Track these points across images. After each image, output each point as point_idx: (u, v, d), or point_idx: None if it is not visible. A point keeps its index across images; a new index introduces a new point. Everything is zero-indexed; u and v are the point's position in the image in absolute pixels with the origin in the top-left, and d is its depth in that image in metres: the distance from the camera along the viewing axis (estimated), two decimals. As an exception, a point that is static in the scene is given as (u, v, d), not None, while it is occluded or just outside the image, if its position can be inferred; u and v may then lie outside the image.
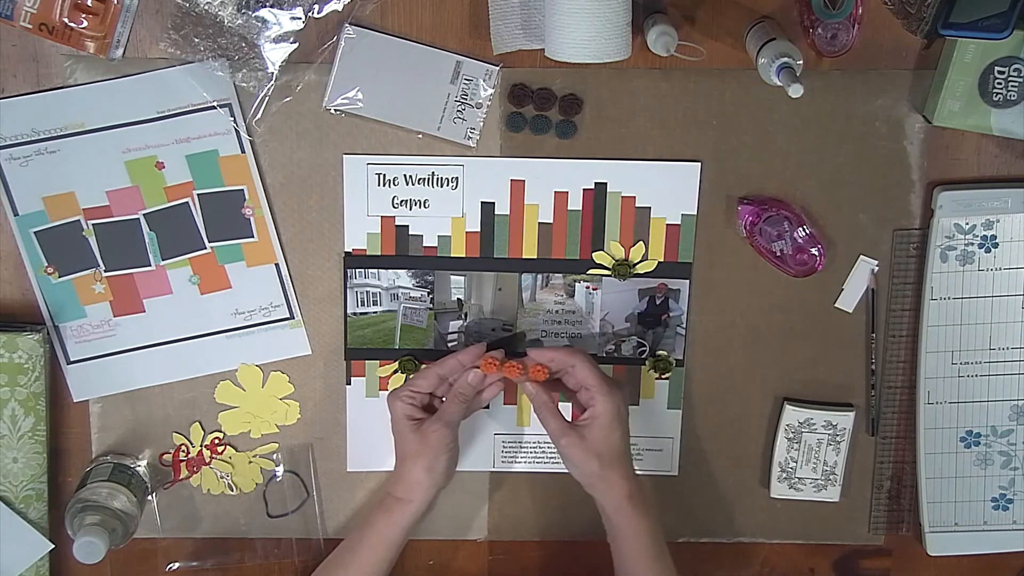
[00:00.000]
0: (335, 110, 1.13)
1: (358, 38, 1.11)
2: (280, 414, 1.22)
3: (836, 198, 1.17)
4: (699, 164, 1.16)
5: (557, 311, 1.20)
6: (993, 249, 1.17)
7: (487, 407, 1.21)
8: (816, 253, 1.16)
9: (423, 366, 1.19)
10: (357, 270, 1.18)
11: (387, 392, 1.20)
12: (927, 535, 1.24)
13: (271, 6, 1.08)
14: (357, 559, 1.16)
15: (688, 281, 1.19)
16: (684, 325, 1.20)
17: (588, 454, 1.10)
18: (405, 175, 1.16)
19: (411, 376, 1.19)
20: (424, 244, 1.18)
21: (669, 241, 1.18)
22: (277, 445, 1.23)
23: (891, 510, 1.26)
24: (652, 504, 1.13)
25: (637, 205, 1.17)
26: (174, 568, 1.26)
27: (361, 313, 1.19)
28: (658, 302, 1.20)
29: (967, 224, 1.17)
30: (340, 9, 1.10)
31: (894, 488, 1.25)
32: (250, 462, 1.23)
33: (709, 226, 1.18)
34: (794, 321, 1.20)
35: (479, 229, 1.17)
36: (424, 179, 1.16)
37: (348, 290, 1.18)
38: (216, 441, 1.22)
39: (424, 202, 1.16)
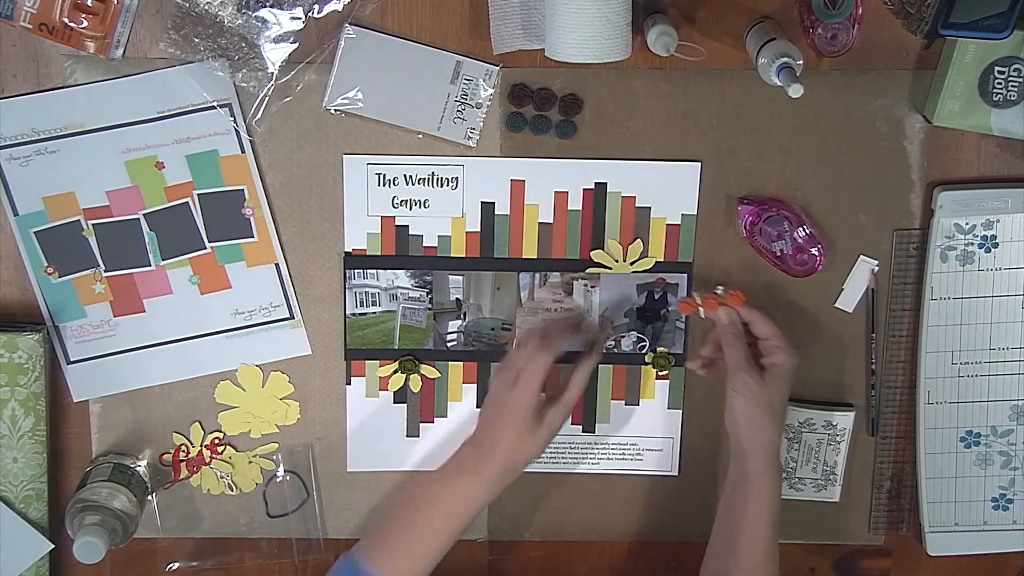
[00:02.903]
0: (335, 110, 1.13)
1: (358, 38, 1.11)
2: (280, 414, 1.22)
3: (836, 198, 1.17)
4: (699, 164, 1.16)
5: (556, 309, 1.20)
6: (993, 249, 1.17)
7: None
8: (816, 253, 1.16)
9: (522, 349, 1.11)
10: (356, 270, 1.18)
11: (495, 376, 1.14)
12: (927, 535, 1.24)
13: (271, 6, 1.08)
14: (433, 517, 1.07)
15: (686, 275, 1.19)
16: (683, 319, 1.20)
17: (761, 400, 1.09)
18: (405, 175, 1.16)
19: (518, 363, 1.09)
20: (424, 244, 1.18)
21: (669, 241, 1.18)
22: (277, 445, 1.23)
23: (891, 510, 1.26)
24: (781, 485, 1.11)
25: (637, 205, 1.17)
26: (174, 568, 1.26)
27: (360, 313, 1.19)
28: (656, 296, 1.20)
29: (967, 224, 1.17)
30: (340, 9, 1.10)
31: (894, 488, 1.25)
32: (250, 462, 1.23)
33: (709, 226, 1.18)
34: (794, 321, 1.20)
35: (479, 229, 1.17)
36: (424, 179, 1.16)
37: (347, 290, 1.18)
38: (216, 441, 1.22)
39: (424, 202, 1.16)
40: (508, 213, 1.17)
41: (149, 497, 1.21)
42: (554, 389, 1.12)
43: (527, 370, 1.08)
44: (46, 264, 1.15)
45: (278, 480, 1.23)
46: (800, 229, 1.16)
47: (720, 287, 1.14)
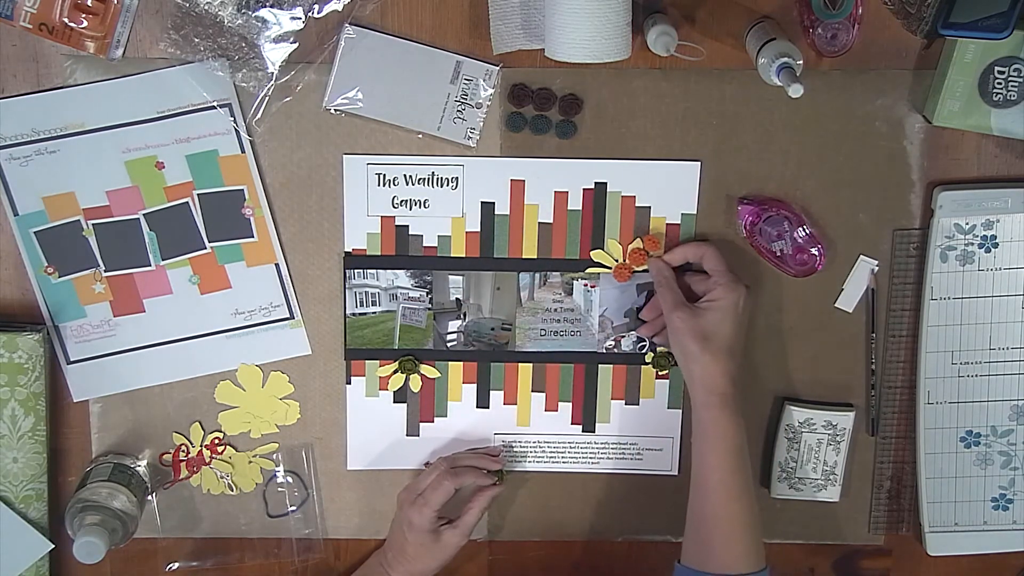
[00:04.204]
0: (335, 110, 1.13)
1: (358, 38, 1.11)
2: (280, 414, 1.22)
3: (836, 198, 1.17)
4: (699, 164, 1.16)
5: (556, 309, 1.20)
6: (993, 249, 1.17)
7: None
8: (816, 253, 1.16)
9: (431, 471, 1.19)
10: (356, 270, 1.18)
11: (400, 492, 1.21)
12: (927, 535, 1.24)
13: (271, 6, 1.08)
14: None
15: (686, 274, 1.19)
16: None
17: (695, 333, 1.10)
18: (405, 175, 1.16)
19: (423, 484, 1.18)
20: (424, 244, 1.18)
21: (669, 241, 1.18)
22: (277, 445, 1.23)
23: (891, 510, 1.26)
24: (741, 415, 1.11)
25: (637, 205, 1.17)
26: (174, 568, 1.26)
27: (360, 313, 1.19)
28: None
29: (967, 224, 1.17)
30: (340, 9, 1.10)
31: (894, 488, 1.25)
32: (250, 462, 1.23)
33: (709, 226, 1.18)
34: (794, 321, 1.20)
35: (479, 229, 1.17)
36: (424, 179, 1.16)
37: (347, 290, 1.18)
38: (216, 441, 1.22)
39: (424, 202, 1.17)
40: (508, 213, 1.17)
41: (149, 497, 1.21)
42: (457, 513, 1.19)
43: (428, 492, 1.17)
44: (46, 264, 1.15)
45: (278, 480, 1.23)
46: (800, 229, 1.16)
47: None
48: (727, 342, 1.11)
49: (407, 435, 1.23)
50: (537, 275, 1.19)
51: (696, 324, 1.11)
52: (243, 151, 1.14)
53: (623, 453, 1.24)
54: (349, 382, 1.21)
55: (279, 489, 1.24)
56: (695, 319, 1.11)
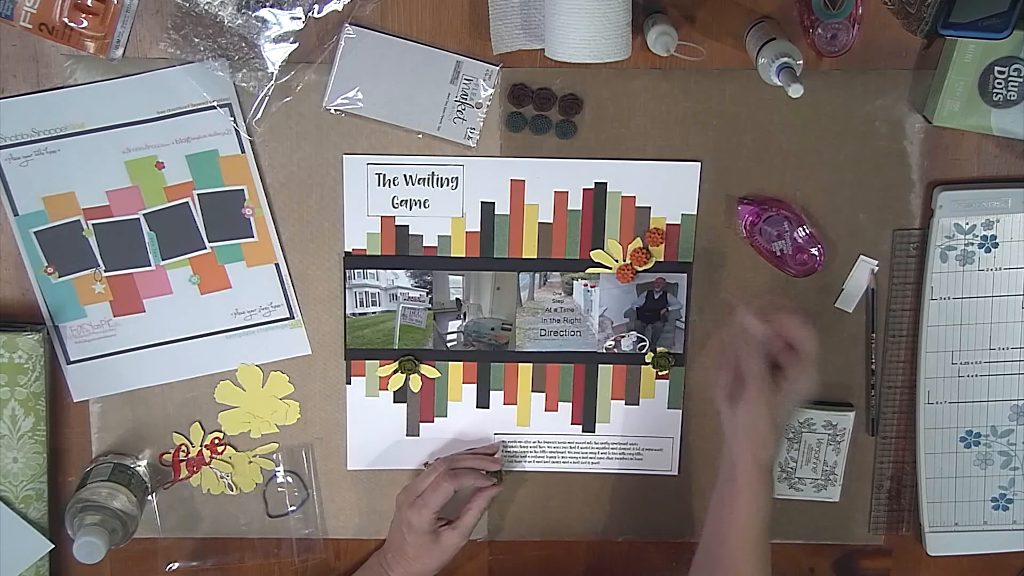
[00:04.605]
0: (335, 110, 1.13)
1: (358, 38, 1.11)
2: (280, 414, 1.22)
3: (836, 198, 1.17)
4: (699, 164, 1.16)
5: (556, 309, 1.20)
6: (993, 249, 1.17)
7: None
8: (816, 253, 1.16)
9: (430, 473, 1.19)
10: (356, 270, 1.18)
11: (399, 494, 1.20)
12: (927, 535, 1.24)
13: (271, 6, 1.08)
14: None
15: (686, 275, 1.19)
16: (683, 318, 1.20)
17: (771, 416, 1.05)
18: (405, 175, 1.16)
19: (422, 485, 1.18)
20: (424, 244, 1.18)
21: (669, 241, 1.18)
22: (277, 445, 1.23)
23: (891, 510, 1.26)
24: (774, 479, 1.08)
25: (637, 205, 1.17)
26: (174, 568, 1.26)
27: (360, 313, 1.19)
28: (656, 296, 1.20)
29: (967, 224, 1.17)
30: (340, 9, 1.10)
31: (894, 488, 1.25)
32: (250, 462, 1.23)
33: (709, 226, 1.18)
34: (794, 321, 1.20)
35: (479, 229, 1.17)
36: (424, 179, 1.16)
37: (347, 290, 1.18)
38: (216, 441, 1.22)
39: (424, 202, 1.17)
40: (508, 213, 1.17)
41: (149, 497, 1.21)
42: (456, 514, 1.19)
43: (427, 494, 1.17)
44: (46, 264, 1.15)
45: (278, 480, 1.23)
46: (800, 229, 1.16)
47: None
48: (783, 425, 1.07)
49: (407, 435, 1.23)
50: (537, 275, 1.19)
51: (773, 408, 1.05)
52: (243, 151, 1.14)
53: (623, 453, 1.24)
54: (349, 382, 1.21)
55: (279, 489, 1.24)
56: (774, 402, 1.05)
